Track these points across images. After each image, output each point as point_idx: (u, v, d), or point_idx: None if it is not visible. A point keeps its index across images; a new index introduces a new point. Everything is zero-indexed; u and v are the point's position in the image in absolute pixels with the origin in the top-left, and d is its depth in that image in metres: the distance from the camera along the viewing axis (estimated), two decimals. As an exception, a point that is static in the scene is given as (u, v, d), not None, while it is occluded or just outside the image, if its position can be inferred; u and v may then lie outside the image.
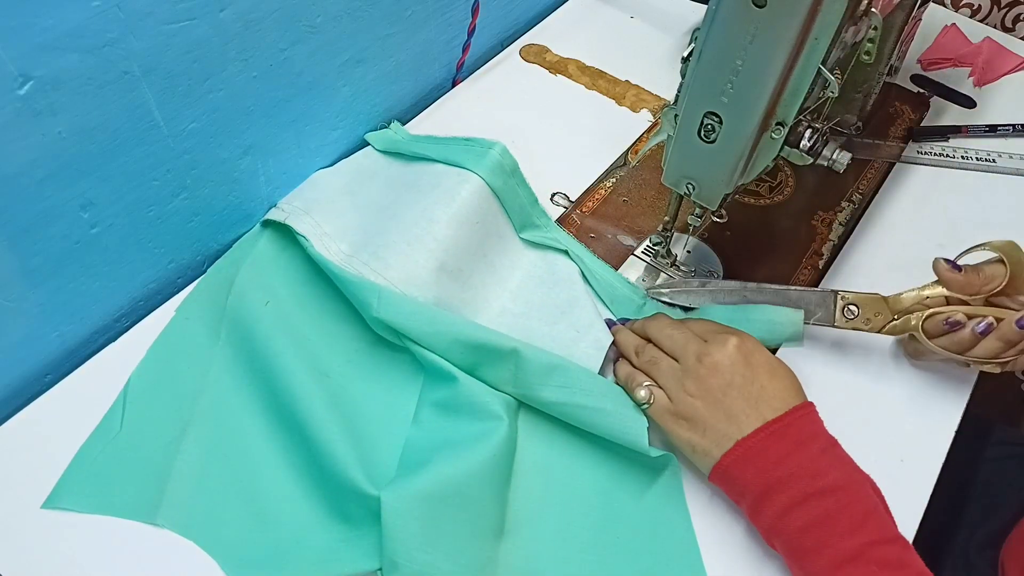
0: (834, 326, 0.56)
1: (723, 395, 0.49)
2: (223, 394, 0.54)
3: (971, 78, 0.82)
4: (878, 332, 0.56)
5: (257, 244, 0.62)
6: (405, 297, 0.55)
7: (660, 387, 0.51)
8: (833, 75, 0.46)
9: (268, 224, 0.63)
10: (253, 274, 0.59)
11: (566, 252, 0.63)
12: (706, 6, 0.45)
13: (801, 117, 0.49)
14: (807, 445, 0.47)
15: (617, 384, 0.54)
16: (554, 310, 0.59)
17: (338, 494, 0.49)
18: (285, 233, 0.62)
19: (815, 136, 0.50)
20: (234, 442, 0.52)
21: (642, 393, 0.51)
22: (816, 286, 0.64)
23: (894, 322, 0.55)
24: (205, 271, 0.61)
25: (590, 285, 0.61)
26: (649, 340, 0.54)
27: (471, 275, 0.59)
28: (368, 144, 0.69)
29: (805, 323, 0.56)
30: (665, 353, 0.53)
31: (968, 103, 0.79)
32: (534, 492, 0.52)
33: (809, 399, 0.50)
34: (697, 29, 0.47)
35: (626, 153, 0.73)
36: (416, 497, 0.46)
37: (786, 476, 0.46)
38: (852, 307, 0.56)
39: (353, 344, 0.57)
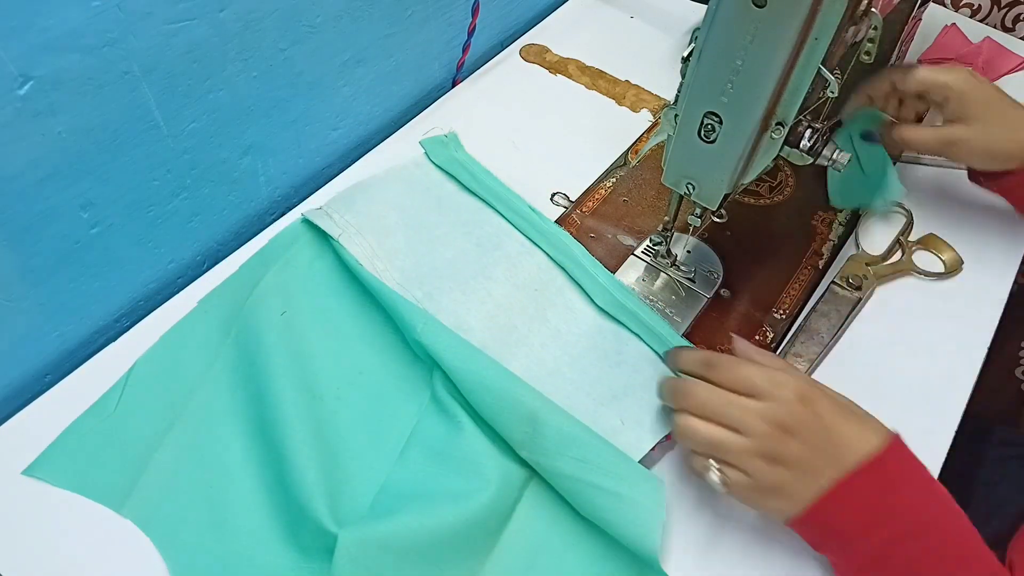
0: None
1: (808, 451, 0.45)
2: (215, 396, 0.54)
3: (971, 78, 0.82)
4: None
5: (293, 246, 0.61)
6: (450, 331, 0.55)
7: (731, 465, 0.46)
8: (833, 75, 0.46)
9: (309, 224, 0.62)
10: (280, 279, 0.59)
11: (641, 337, 0.58)
12: (706, 6, 0.45)
13: (801, 117, 0.49)
14: (908, 480, 0.46)
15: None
16: (607, 391, 0.55)
17: (298, 521, 0.48)
18: (324, 241, 0.61)
19: (815, 136, 0.50)
20: (212, 447, 0.52)
21: (715, 478, 0.46)
22: (816, 286, 0.64)
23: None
24: (205, 271, 0.61)
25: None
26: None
27: (528, 334, 0.58)
28: (417, 146, 0.69)
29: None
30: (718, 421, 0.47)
31: (968, 103, 0.79)
32: (514, 572, 0.48)
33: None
34: (697, 29, 0.47)
35: (626, 153, 0.73)
36: (373, 545, 0.45)
37: (887, 514, 0.44)
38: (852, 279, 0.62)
39: (357, 367, 0.56)
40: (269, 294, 0.58)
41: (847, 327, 0.61)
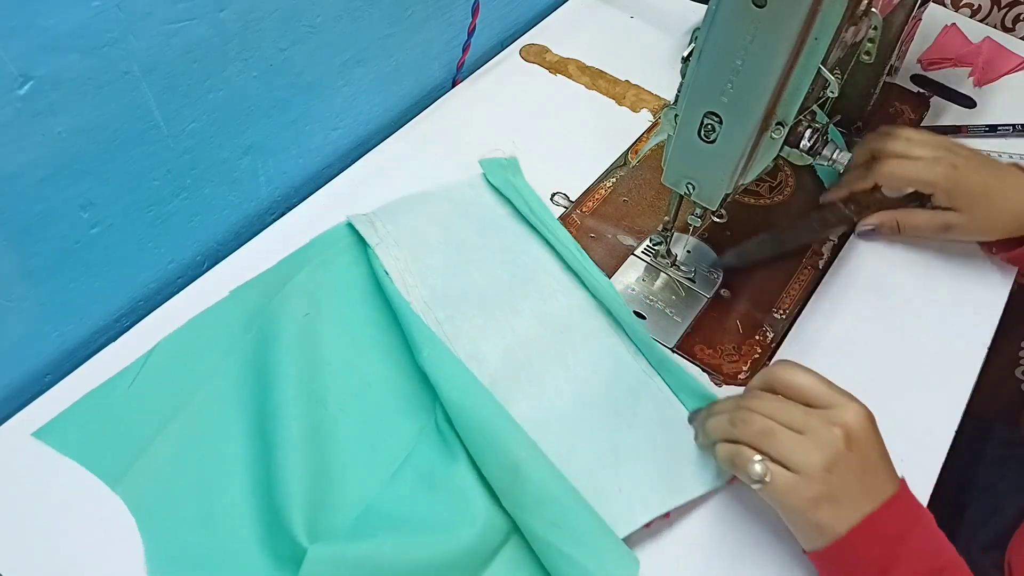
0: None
1: (863, 469, 0.44)
2: (223, 390, 0.54)
3: (971, 78, 0.82)
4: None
5: (333, 248, 0.61)
6: (455, 361, 0.54)
7: (775, 462, 0.44)
8: (833, 75, 0.46)
9: (352, 228, 0.62)
10: (312, 280, 0.59)
11: (672, 388, 0.56)
12: (706, 6, 0.45)
13: (801, 117, 0.49)
14: (921, 520, 0.46)
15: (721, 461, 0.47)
16: (611, 451, 0.52)
17: (275, 529, 0.47)
18: (363, 247, 0.61)
19: (815, 136, 0.50)
20: (210, 440, 0.52)
21: (758, 468, 0.44)
22: (816, 286, 0.64)
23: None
24: (205, 271, 0.61)
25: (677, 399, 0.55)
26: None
27: (543, 374, 0.55)
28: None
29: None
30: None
31: (968, 103, 0.79)
32: None
33: None
34: (697, 29, 0.47)
35: (626, 153, 0.73)
36: (345, 564, 0.45)
37: (908, 553, 0.44)
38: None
39: (367, 380, 0.55)
40: (297, 293, 0.58)
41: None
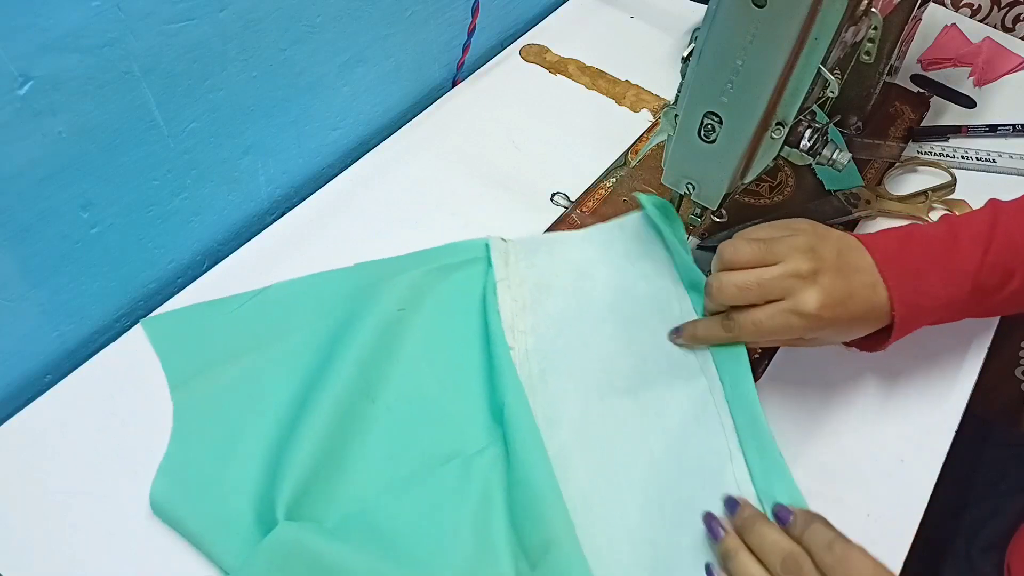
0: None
1: None
2: (300, 348, 0.55)
3: (971, 78, 0.82)
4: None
5: (460, 257, 0.60)
6: (530, 418, 0.51)
7: None
8: (833, 75, 0.46)
9: (487, 248, 0.60)
10: (423, 280, 0.58)
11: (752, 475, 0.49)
12: (706, 6, 0.45)
13: (801, 117, 0.49)
14: None
15: None
16: (650, 561, 0.47)
17: (267, 492, 0.48)
18: (488, 271, 0.59)
19: (815, 136, 0.50)
20: (265, 389, 0.53)
21: None
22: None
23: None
24: (205, 271, 0.61)
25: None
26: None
27: (612, 452, 0.50)
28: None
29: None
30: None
31: (968, 103, 0.79)
32: None
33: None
34: (697, 29, 0.47)
35: (626, 153, 0.73)
36: (298, 553, 0.45)
37: None
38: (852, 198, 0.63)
39: (424, 391, 0.54)
40: (403, 287, 0.58)
41: None
